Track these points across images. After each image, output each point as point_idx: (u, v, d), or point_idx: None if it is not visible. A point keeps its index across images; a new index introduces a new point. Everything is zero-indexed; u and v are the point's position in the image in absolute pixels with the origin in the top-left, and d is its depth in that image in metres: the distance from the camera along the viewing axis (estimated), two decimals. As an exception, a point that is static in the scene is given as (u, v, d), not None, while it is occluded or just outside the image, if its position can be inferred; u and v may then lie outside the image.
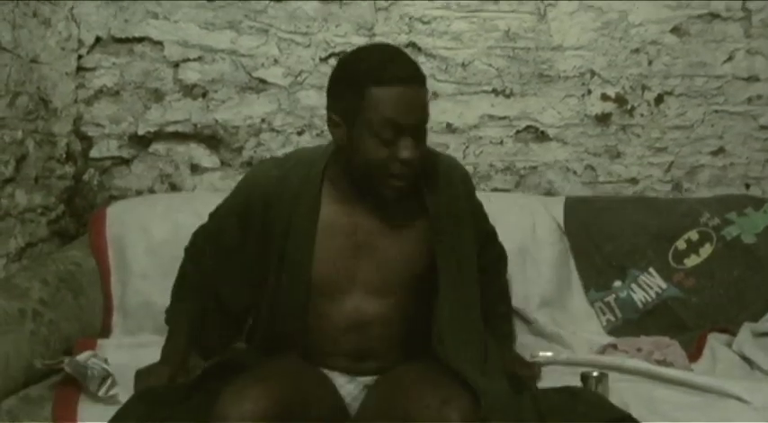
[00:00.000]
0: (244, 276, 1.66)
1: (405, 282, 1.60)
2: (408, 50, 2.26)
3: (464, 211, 1.67)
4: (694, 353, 2.03)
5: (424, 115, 1.53)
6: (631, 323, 2.18)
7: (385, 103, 1.47)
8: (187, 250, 1.78)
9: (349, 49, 2.54)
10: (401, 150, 1.49)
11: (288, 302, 1.60)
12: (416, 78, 1.51)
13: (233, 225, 1.66)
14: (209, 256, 1.71)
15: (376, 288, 1.59)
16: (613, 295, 2.22)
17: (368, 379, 1.61)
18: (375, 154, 1.49)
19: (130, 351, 1.92)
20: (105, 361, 1.74)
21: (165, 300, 1.81)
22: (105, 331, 2.07)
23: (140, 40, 2.44)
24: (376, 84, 1.47)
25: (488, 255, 1.81)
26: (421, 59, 2.44)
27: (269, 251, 1.61)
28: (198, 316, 1.72)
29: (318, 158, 1.63)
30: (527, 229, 2.24)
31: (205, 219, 1.79)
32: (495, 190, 2.52)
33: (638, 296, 2.20)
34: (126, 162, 2.49)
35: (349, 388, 1.61)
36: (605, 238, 2.25)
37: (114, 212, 2.22)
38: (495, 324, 1.80)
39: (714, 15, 2.52)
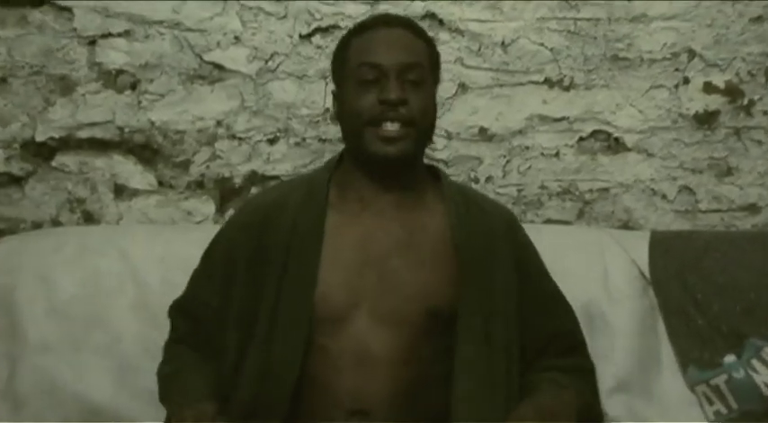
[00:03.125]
0: (235, 328, 1.80)
1: (419, 314, 1.73)
2: (425, 23, 2.35)
3: (502, 254, 1.82)
4: None
5: (411, 56, 1.77)
6: (753, 417, 2.14)
7: (364, 46, 1.77)
8: (168, 347, 1.90)
9: (342, 24, 2.38)
10: (384, 91, 1.73)
11: (283, 341, 1.72)
12: (403, 22, 1.83)
13: (220, 287, 1.83)
14: (200, 338, 1.86)
15: (383, 315, 1.72)
16: (725, 376, 2.16)
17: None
18: (359, 102, 1.74)
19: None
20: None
21: (75, 380, 1.91)
22: (-19, 429, 2.10)
23: (38, 3, 2.44)
24: (358, 34, 1.80)
25: (557, 342, 1.87)
26: (443, 37, 2.43)
27: (263, 283, 1.77)
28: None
29: (323, 169, 1.88)
30: (595, 278, 2.21)
31: (138, 265, 1.96)
32: (549, 221, 2.51)
33: (763, 377, 2.15)
34: (17, 181, 2.49)
35: None
36: (711, 291, 2.21)
37: (0, 254, 2.23)
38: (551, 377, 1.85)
39: None
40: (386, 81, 1.73)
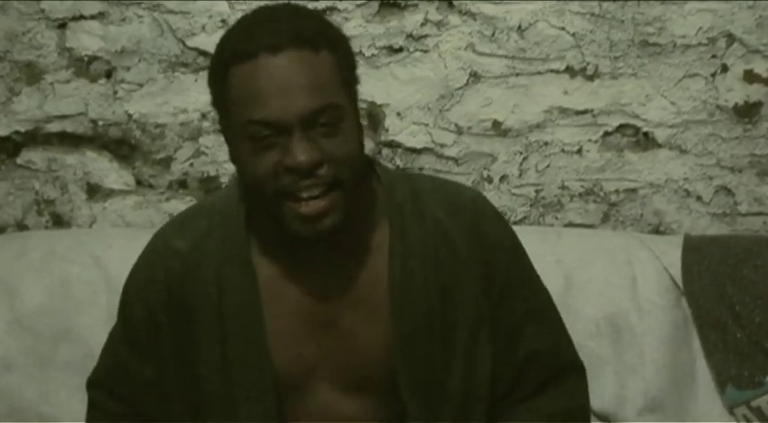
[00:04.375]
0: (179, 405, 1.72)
1: (386, 377, 1.64)
2: (434, 7, 2.36)
3: (465, 271, 1.67)
4: None
5: (317, 96, 1.46)
6: (798, 442, 2.14)
7: (248, 92, 1.46)
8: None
9: (341, 6, 2.38)
10: (288, 155, 1.46)
11: (248, 415, 1.66)
12: (291, 36, 1.47)
13: (149, 356, 1.72)
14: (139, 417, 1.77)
15: (346, 384, 1.65)
16: (767, 397, 2.15)
17: None
18: (258, 168, 1.48)
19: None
20: None
21: (41, 400, 1.94)
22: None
23: (1, -20, 2.48)
24: (238, 60, 1.47)
25: (535, 367, 1.75)
26: (453, 20, 2.43)
27: (201, 354, 1.66)
28: None
29: (234, 205, 1.66)
30: (622, 288, 2.21)
31: (113, 273, 1.95)
32: (571, 225, 2.52)
33: (810, 398, 2.17)
34: (-22, 180, 2.53)
35: None
36: (752, 302, 2.22)
37: (-41, 261, 2.29)
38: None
39: None
40: (287, 139, 1.46)
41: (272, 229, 1.59)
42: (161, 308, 1.67)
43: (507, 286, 1.71)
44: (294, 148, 1.45)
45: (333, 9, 2.44)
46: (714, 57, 2.45)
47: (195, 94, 2.44)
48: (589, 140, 2.47)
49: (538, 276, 1.76)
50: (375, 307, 1.62)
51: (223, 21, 2.41)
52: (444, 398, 1.65)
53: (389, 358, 1.63)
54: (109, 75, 2.43)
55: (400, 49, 2.36)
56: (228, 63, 1.47)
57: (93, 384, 1.80)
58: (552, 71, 2.46)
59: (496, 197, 2.37)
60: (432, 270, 1.63)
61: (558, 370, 1.77)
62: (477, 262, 1.66)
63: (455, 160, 2.39)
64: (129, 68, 2.43)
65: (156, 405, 1.73)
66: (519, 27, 2.44)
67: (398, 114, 2.38)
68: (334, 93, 1.48)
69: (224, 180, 2.42)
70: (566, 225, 2.48)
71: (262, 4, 2.31)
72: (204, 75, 2.29)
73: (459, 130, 2.40)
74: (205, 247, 1.65)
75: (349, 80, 1.53)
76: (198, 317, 1.65)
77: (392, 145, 2.40)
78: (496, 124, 2.46)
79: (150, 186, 2.47)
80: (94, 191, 2.47)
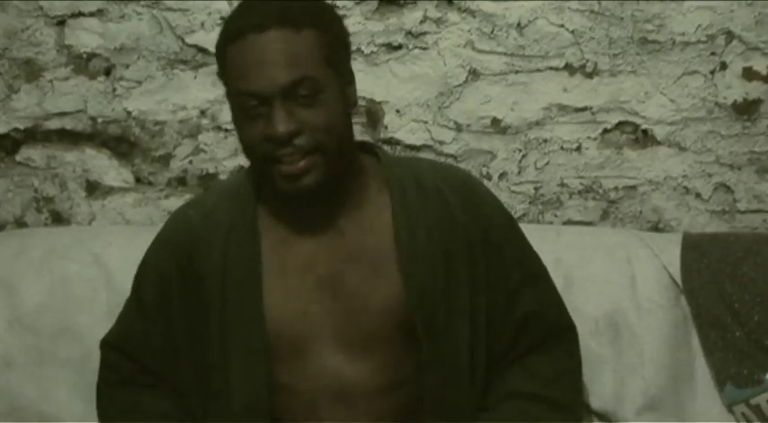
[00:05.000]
0: (184, 369, 1.81)
1: (390, 332, 1.72)
2: (433, 4, 2.36)
3: (462, 237, 1.78)
4: None
5: (294, 70, 1.61)
6: (798, 441, 2.10)
7: (239, 66, 1.64)
8: (110, 389, 1.89)
9: (339, 2, 2.38)
10: (268, 125, 1.62)
11: (244, 383, 1.73)
12: (276, 17, 1.62)
13: (158, 323, 1.82)
14: (149, 376, 1.86)
15: (350, 341, 1.72)
16: (766, 395, 2.14)
17: None
18: (247, 136, 1.66)
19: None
20: None
21: (41, 398, 1.93)
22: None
23: (-2, -22, 2.48)
24: (232, 39, 1.65)
25: (532, 327, 1.85)
26: (452, 18, 2.42)
27: (205, 319, 1.76)
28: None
29: (246, 181, 1.81)
30: (621, 286, 2.20)
31: (112, 271, 1.97)
32: (570, 223, 2.51)
33: (810, 396, 2.15)
34: (-24, 177, 2.52)
35: None
36: (751, 300, 2.19)
37: (-43, 259, 2.28)
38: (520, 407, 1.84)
39: None
40: (269, 109, 1.62)
41: (277, 197, 1.73)
42: (173, 275, 1.79)
43: (503, 253, 1.82)
44: (274, 117, 1.61)
45: (332, 6, 2.43)
46: (713, 54, 2.44)
47: (194, 92, 2.45)
48: (588, 138, 2.46)
49: (531, 246, 1.87)
50: (379, 267, 1.72)
51: (222, 18, 2.39)
52: (456, 354, 1.74)
53: (392, 317, 1.70)
54: (108, 72, 2.43)
55: (399, 47, 2.35)
56: (226, 42, 1.65)
57: (107, 345, 1.89)
58: (551, 68, 2.44)
59: (495, 194, 2.36)
60: (434, 233, 1.74)
61: (553, 331, 1.87)
62: (475, 228, 1.77)
63: (454, 157, 2.39)
64: (128, 66, 2.42)
65: (165, 367, 1.82)
66: (518, 24, 2.43)
67: (398, 112, 2.38)
68: (312, 67, 1.62)
69: (223, 177, 2.41)
70: (565, 222, 2.48)
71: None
72: (203, 72, 2.45)
73: (459, 128, 2.40)
74: (215, 217, 1.79)
75: (336, 57, 1.67)
76: (205, 282, 1.75)
77: (391, 142, 2.39)
78: (495, 121, 2.45)
79: (149, 184, 2.47)
80: (94, 188, 2.47)
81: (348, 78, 1.71)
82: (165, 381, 1.84)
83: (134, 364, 1.86)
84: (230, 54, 1.64)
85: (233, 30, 1.64)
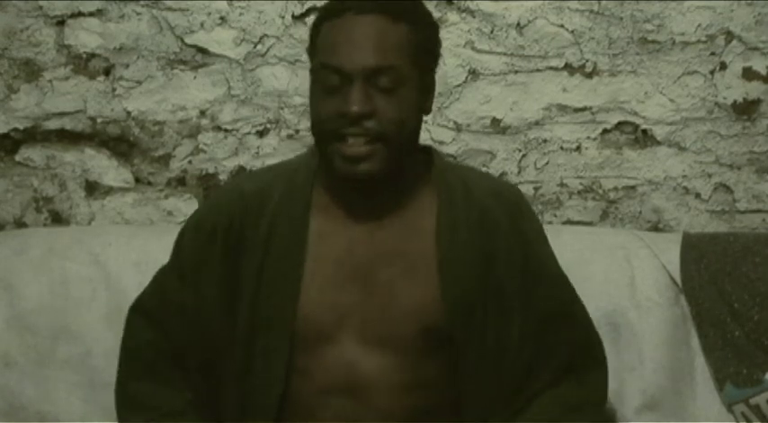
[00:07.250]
0: (209, 340, 1.80)
1: (415, 335, 1.71)
2: (432, 4, 2.34)
3: (505, 253, 1.77)
4: None
5: (382, 57, 1.64)
6: (797, 441, 2.11)
7: (329, 40, 1.66)
8: (131, 356, 1.86)
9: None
10: (345, 102, 1.62)
11: (262, 360, 1.74)
12: (379, 3, 1.65)
13: (193, 287, 1.80)
14: (168, 349, 1.84)
15: (373, 337, 1.71)
16: (766, 394, 2.15)
17: None
18: (321, 111, 1.66)
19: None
20: None
21: (40, 398, 1.94)
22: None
23: (-2, -23, 2.48)
24: (328, 17, 1.68)
25: (560, 356, 1.83)
26: (452, 18, 2.43)
27: (239, 289, 1.77)
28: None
29: (306, 161, 1.81)
30: (621, 285, 2.21)
31: (112, 271, 1.99)
32: (569, 223, 2.51)
33: (810, 396, 2.14)
34: (-24, 177, 2.52)
35: None
36: (751, 300, 2.20)
37: (-44, 259, 2.27)
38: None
39: None
40: (349, 88, 1.63)
41: (331, 187, 1.75)
42: (218, 238, 1.78)
43: (541, 275, 1.81)
44: (351, 95, 1.62)
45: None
46: (713, 54, 2.45)
47: (194, 92, 2.44)
48: (588, 138, 2.47)
49: (566, 276, 1.86)
50: (416, 268, 1.72)
51: (222, 18, 2.41)
52: (493, 364, 1.73)
53: (422, 319, 1.70)
54: (107, 72, 2.43)
55: (399, 47, 2.36)
56: (323, 19, 1.69)
57: (134, 309, 1.88)
58: (551, 68, 2.45)
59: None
60: (476, 240, 1.74)
61: (583, 361, 1.84)
62: (517, 251, 1.77)
63: (454, 157, 2.38)
64: (127, 66, 2.42)
65: (187, 332, 1.81)
66: (518, 24, 2.43)
67: (397, 112, 2.38)
68: (399, 59, 1.64)
69: (223, 177, 2.41)
70: (564, 222, 2.48)
71: (260, 2, 2.46)
72: (203, 72, 2.45)
73: (458, 128, 2.40)
74: (269, 191, 1.79)
75: (422, 58, 1.69)
76: (248, 253, 1.76)
77: (391, 142, 2.39)
78: (495, 122, 2.45)
79: (149, 184, 2.46)
80: (93, 188, 2.46)
81: (429, 85, 1.73)
82: (187, 356, 1.82)
83: (153, 331, 1.84)
84: (324, 30, 1.67)
85: (333, 8, 1.68)
